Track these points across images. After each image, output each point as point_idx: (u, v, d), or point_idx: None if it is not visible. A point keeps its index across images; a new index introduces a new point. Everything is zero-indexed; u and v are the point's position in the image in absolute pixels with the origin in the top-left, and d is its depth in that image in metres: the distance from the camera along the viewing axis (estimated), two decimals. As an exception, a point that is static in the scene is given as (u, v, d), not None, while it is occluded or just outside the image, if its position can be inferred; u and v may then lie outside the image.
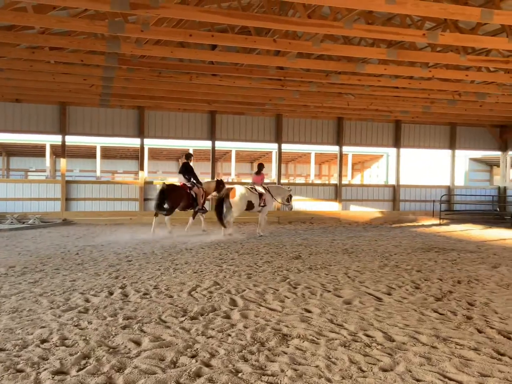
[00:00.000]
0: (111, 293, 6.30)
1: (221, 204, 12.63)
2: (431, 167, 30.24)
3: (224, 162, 35.71)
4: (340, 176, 19.42)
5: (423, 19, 10.00)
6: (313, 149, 29.90)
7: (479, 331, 4.98)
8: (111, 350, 4.23)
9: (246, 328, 4.89)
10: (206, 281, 7.14)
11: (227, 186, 13.77)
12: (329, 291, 6.66)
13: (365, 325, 5.09)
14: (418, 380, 3.70)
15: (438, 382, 3.67)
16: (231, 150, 30.89)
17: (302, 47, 9.36)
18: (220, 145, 22.68)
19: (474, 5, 8.72)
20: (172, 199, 12.59)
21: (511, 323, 5.31)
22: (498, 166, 23.35)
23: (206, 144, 20.31)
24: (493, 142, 20.62)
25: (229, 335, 4.67)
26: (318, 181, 34.18)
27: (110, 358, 4.02)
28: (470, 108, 15.68)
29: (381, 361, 4.07)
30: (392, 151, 21.57)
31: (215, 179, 15.36)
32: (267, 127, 18.59)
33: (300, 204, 18.93)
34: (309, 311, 5.62)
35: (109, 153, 32.60)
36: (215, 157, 18.96)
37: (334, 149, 20.75)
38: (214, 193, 14.22)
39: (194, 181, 13.34)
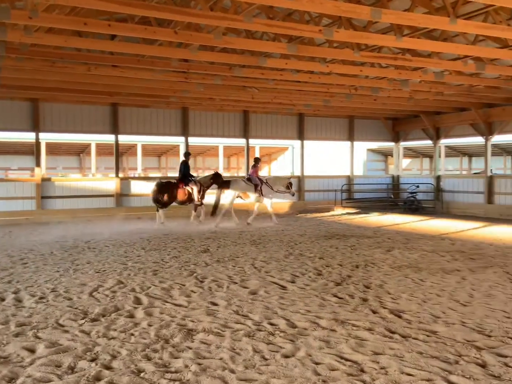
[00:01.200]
0: (2, 299, 5.86)
1: (218, 195, 14.43)
2: (334, 158, 31.66)
3: (130, 157, 34.62)
4: (247, 168, 19.65)
5: (321, 16, 10.38)
6: (221, 142, 29.94)
7: (374, 312, 5.32)
8: (1, 360, 3.95)
9: (151, 326, 4.80)
10: (109, 280, 6.89)
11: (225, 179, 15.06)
12: (236, 283, 6.74)
13: (269, 314, 5.21)
14: (317, 363, 3.86)
15: (335, 363, 3.86)
16: (136, 144, 30.01)
17: (204, 39, 9.29)
18: (125, 138, 21.92)
19: (365, 4, 9.21)
20: (167, 195, 13.97)
21: (402, 302, 5.73)
22: (392, 156, 25.02)
23: (109, 138, 19.52)
24: (387, 133, 22.01)
25: (132, 334, 4.55)
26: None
27: (1, 368, 3.75)
28: (366, 102, 16.59)
29: (284, 348, 4.20)
30: (297, 143, 22.23)
31: (212, 173, 15.95)
32: (173, 120, 18.30)
33: (210, 197, 18.88)
34: (215, 304, 5.64)
35: (1, 149, 30.21)
36: (120, 152, 18.29)
37: (241, 142, 20.95)
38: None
39: (191, 178, 14.66)
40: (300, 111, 19.34)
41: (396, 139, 22.03)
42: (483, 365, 3.80)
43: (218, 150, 31.97)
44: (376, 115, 20.78)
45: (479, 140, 19.45)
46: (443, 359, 3.92)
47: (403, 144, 22.87)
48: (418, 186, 19.57)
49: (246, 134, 19.40)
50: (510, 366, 3.76)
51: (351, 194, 21.04)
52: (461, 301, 5.77)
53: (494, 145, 22.30)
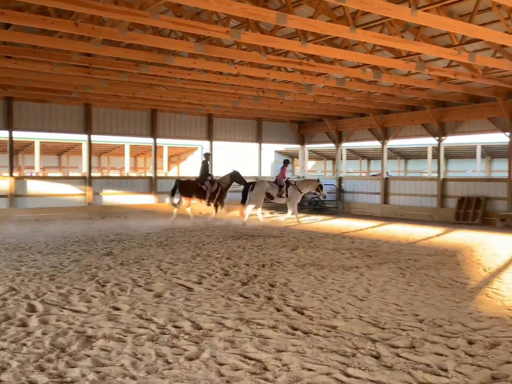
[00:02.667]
0: None
1: (245, 195, 15.35)
2: (242, 159, 32.00)
3: (27, 155, 32.38)
4: (155, 168, 19.23)
5: (229, 17, 10.43)
6: (128, 140, 28.97)
7: (278, 310, 5.43)
8: None
9: (45, 334, 4.50)
10: None
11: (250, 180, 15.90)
12: (140, 286, 6.54)
13: (174, 317, 5.12)
14: (221, 364, 3.85)
15: (239, 363, 3.87)
16: (34, 141, 28.13)
17: (108, 33, 8.92)
18: (20, 135, 20.49)
19: (272, 8, 9.41)
20: (184, 192, 15.11)
21: (305, 299, 5.91)
22: (298, 158, 25.83)
23: (2, 134, 18.08)
24: (293, 136, 22.71)
25: (24, 344, 4.23)
26: (133, 174, 33.38)
27: None
28: (273, 104, 16.99)
29: (188, 350, 4.14)
30: (206, 143, 22.17)
31: (230, 172, 16.16)
32: (75, 117, 17.38)
33: (114, 198, 18.23)
34: (117, 309, 5.43)
35: None
36: (15, 149, 17.02)
37: (149, 141, 20.43)
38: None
39: (208, 178, 15.48)
40: (209, 111, 19.32)
41: (302, 141, 22.80)
42: (377, 357, 4.02)
43: (124, 149, 30.93)
44: (283, 118, 21.34)
45: (376, 144, 20.70)
46: (342, 353, 4.09)
47: (308, 146, 23.71)
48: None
49: (153, 133, 18.97)
50: (401, 357, 4.01)
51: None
52: (359, 296, 6.07)
53: (389, 149, 23.83)
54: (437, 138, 17.08)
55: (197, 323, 4.90)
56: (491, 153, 29.16)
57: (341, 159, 21.85)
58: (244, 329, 4.71)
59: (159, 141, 19.94)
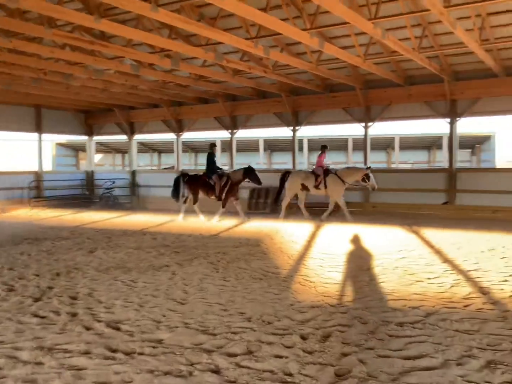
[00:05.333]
0: None
1: (280, 188, 13.87)
2: (19, 152, 28.11)
3: None
4: None
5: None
6: None
7: (87, 328, 4.50)
8: None
9: None
10: None
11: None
12: None
13: None
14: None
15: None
16: None
17: None
18: None
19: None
20: (190, 187, 14.07)
21: (117, 310, 5.08)
22: (84, 151, 23.87)
23: None
24: (79, 127, 20.75)
25: None
26: None
27: None
28: (57, 90, 15.09)
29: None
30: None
31: (244, 167, 13.93)
32: None
33: None
34: None
35: None
36: None
37: None
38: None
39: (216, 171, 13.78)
40: (-26, 93, 16.19)
41: (90, 132, 21.02)
42: (217, 371, 3.53)
43: None
44: (68, 106, 19.26)
45: (169, 136, 20.33)
46: (177, 373, 3.48)
47: (98, 138, 22.03)
48: (114, 182, 19.12)
49: None
50: (243, 366, 3.60)
51: (40, 192, 18.93)
52: (178, 299, 5.52)
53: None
54: (230, 131, 17.56)
55: (-22, 364, 3.68)
56: (271, 146, 31.68)
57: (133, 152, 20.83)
58: (47, 361, 3.71)
59: None
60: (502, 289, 5.71)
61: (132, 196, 19.47)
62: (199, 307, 5.17)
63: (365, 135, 15.10)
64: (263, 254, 8.46)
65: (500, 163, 26.24)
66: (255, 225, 12.75)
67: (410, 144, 29.76)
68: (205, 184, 14.03)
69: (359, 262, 7.49)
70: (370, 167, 13.28)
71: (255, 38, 9.92)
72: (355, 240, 9.77)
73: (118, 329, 4.49)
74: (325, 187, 13.23)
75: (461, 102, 13.67)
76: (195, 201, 14.30)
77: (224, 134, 18.77)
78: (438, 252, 8.39)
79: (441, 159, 29.34)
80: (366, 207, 14.83)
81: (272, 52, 10.54)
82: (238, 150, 18.31)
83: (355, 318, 4.67)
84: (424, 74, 13.49)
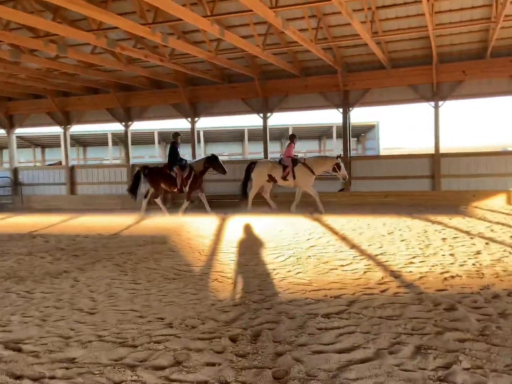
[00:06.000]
0: None
1: (246, 179, 13.11)
2: None
3: None
4: None
5: None
6: None
7: (-20, 355, 3.85)
8: None
9: None
10: None
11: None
12: None
13: None
14: None
15: None
16: None
17: None
18: None
19: None
20: (151, 181, 13.16)
21: (15, 328, 4.45)
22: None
23: None
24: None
25: None
26: None
27: None
28: None
29: None
30: None
31: (205, 157, 13.54)
32: None
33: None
34: None
35: None
36: None
37: None
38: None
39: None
40: None
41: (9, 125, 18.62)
42: (146, 389, 3.17)
43: None
44: None
45: (55, 130, 18.78)
46: (100, 398, 3.06)
47: (-31, 132, 19.69)
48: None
49: None
50: (173, 380, 3.27)
51: None
52: (86, 309, 4.98)
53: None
54: (124, 123, 16.65)
55: None
56: (166, 139, 30.83)
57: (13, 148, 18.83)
58: None
59: None
60: (410, 272, 5.96)
61: (14, 196, 17.70)
62: (112, 316, 4.70)
63: (264, 125, 15.18)
64: (172, 251, 8.06)
65: (383, 151, 28.18)
66: (157, 221, 12.23)
67: (303, 134, 30.76)
68: (167, 177, 13.24)
69: (272, 254, 7.43)
70: (340, 155, 12.92)
71: (152, 24, 9.37)
72: (263, 231, 9.74)
73: (19, 350, 3.90)
74: (294, 178, 12.71)
75: (353, 92, 14.27)
76: (156, 195, 13.44)
77: (118, 127, 17.77)
78: (344, 238, 8.64)
79: (331, 148, 30.75)
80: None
81: (171, 40, 10.06)
82: (132, 143, 17.41)
83: (281, 313, 4.54)
84: (319, 65, 13.85)
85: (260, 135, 17.06)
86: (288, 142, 13.36)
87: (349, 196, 14.36)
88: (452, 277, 5.62)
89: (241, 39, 10.26)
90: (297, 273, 6.11)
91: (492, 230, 8.95)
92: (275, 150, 29.93)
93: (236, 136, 30.56)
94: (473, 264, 6.23)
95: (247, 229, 10.11)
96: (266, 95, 14.94)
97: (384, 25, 11.83)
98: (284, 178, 12.75)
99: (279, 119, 28.70)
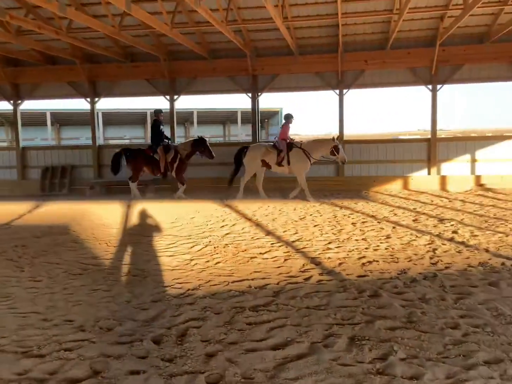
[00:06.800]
0: None
1: (237, 166, 12.11)
2: None
3: None
4: None
5: None
6: None
7: None
8: None
9: None
10: None
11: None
12: None
13: None
14: None
15: None
16: None
17: None
18: None
19: None
20: (131, 164, 12.17)
21: None
22: None
23: None
24: None
25: None
26: None
27: None
28: None
29: None
30: None
31: (193, 138, 12.68)
32: None
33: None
34: None
35: None
36: None
37: None
38: None
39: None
40: None
41: None
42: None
43: None
44: None
45: None
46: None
47: None
48: None
49: None
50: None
51: None
52: (-24, 314, 4.30)
53: None
54: (12, 101, 15.06)
55: None
56: (59, 120, 28.70)
57: None
58: None
59: None
60: (329, 258, 5.97)
61: None
62: (10, 321, 4.09)
63: (171, 109, 14.55)
64: (75, 243, 7.36)
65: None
66: (54, 209, 11.23)
67: (207, 119, 30.32)
68: (150, 160, 12.07)
69: (186, 243, 7.07)
70: (338, 137, 12.03)
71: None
72: (175, 219, 9.31)
73: None
74: (288, 163, 11.73)
75: (262, 77, 14.15)
76: (134, 179, 12.28)
77: (5, 106, 16.07)
78: (258, 224, 8.51)
79: (235, 133, 30.71)
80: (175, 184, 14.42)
81: (69, 10, 9.12)
82: (22, 125, 15.83)
83: (205, 309, 4.25)
84: (228, 48, 13.52)
85: (165, 119, 16.40)
86: (284, 122, 12.25)
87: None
88: (370, 262, 5.71)
89: (149, 15, 9.61)
90: (217, 263, 5.84)
91: (395, 214, 9.37)
92: (179, 135, 29.21)
93: (138, 119, 29.34)
94: (386, 249, 6.40)
95: (156, 216, 9.61)
96: (173, 77, 14.31)
97: (293, 10, 11.81)
98: (279, 163, 11.80)
99: (183, 103, 27.88)
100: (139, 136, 30.73)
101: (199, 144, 12.32)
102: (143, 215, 9.91)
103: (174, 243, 7.08)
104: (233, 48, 13.27)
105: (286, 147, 11.74)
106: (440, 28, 12.32)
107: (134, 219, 9.58)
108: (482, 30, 12.62)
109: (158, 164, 12.19)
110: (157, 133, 12.17)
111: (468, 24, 11.98)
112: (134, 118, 29.26)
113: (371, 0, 11.25)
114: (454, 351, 3.29)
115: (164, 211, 10.15)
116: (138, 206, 11.06)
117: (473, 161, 13.55)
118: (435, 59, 12.86)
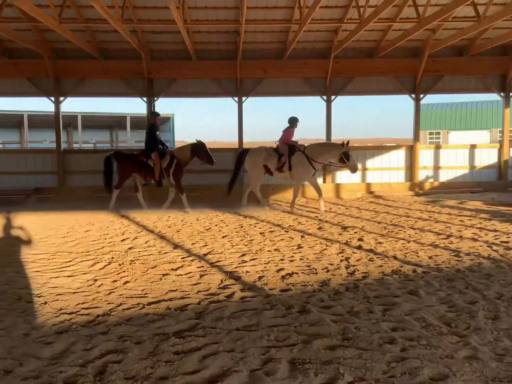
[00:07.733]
0: None
1: (236, 172, 11.33)
2: None
3: None
4: None
5: None
6: None
7: None
8: None
9: None
10: None
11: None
12: None
13: None
14: None
15: None
16: None
17: None
18: None
19: None
20: (121, 171, 10.89)
21: None
22: None
23: None
24: None
25: None
26: None
27: None
28: None
29: None
30: None
31: (191, 143, 11.28)
32: None
33: None
34: None
35: None
36: None
37: None
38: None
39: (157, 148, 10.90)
40: None
41: None
42: None
43: None
44: None
45: None
46: None
47: None
48: None
49: None
50: None
51: None
52: None
53: None
54: None
55: None
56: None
57: None
58: None
59: None
60: (247, 272, 5.69)
61: None
62: None
63: (57, 111, 13.34)
64: None
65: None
66: None
67: (92, 123, 28.60)
68: (143, 165, 10.79)
69: (86, 260, 6.33)
70: (348, 142, 10.48)
71: None
72: (66, 232, 8.40)
73: None
74: (289, 169, 10.77)
75: (158, 81, 13.56)
76: (118, 185, 10.89)
77: None
78: (162, 237, 7.98)
79: (124, 139, 29.37)
80: (61, 192, 13.22)
81: None
82: None
83: (123, 338, 3.71)
84: (122, 48, 12.79)
85: (47, 122, 15.08)
86: (287, 126, 11.16)
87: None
88: (289, 274, 5.53)
89: (35, 7, 8.62)
90: (125, 283, 5.25)
91: (300, 223, 9.41)
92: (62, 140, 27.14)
93: (13, 122, 26.73)
94: (301, 259, 6.30)
95: (43, 230, 8.60)
96: (58, 76, 13.13)
97: (192, 13, 11.47)
98: (280, 169, 10.92)
99: (68, 105, 26.02)
100: (14, 140, 28.06)
101: (198, 149, 11.14)
102: (27, 229, 8.81)
103: (70, 261, 6.30)
104: (127, 49, 12.57)
105: (287, 151, 10.90)
106: (334, 41, 12.80)
107: (16, 233, 8.48)
108: (371, 45, 13.37)
109: (151, 170, 10.96)
110: (153, 138, 10.97)
111: (360, 38, 12.59)
112: (7, 121, 26.59)
113: (271, 8, 11.32)
114: (399, 369, 3.17)
115: (51, 224, 9.15)
116: (19, 218, 9.85)
117: (364, 169, 14.27)
118: (330, 70, 13.33)
